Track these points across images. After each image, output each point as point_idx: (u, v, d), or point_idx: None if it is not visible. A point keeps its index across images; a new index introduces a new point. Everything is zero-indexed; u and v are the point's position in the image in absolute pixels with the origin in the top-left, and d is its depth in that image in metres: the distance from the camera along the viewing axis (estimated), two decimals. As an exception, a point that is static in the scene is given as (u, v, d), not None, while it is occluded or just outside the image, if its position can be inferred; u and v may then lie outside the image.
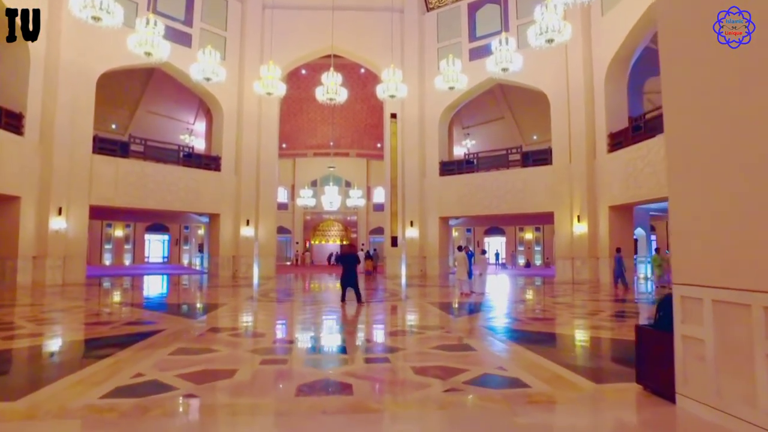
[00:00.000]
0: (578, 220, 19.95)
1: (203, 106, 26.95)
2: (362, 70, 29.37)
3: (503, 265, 36.88)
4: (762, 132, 3.16)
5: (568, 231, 20.44)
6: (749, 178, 3.25)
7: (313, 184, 41.09)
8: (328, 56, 22.66)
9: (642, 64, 20.04)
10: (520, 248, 38.72)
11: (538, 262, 37.39)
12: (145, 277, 23.09)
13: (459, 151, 29.49)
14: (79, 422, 3.67)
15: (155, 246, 40.05)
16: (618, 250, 17.05)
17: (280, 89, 19.19)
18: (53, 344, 7.01)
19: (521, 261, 37.10)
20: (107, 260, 35.81)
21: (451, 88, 19.19)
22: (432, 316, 10.34)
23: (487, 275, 16.24)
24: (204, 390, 4.46)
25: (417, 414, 4.00)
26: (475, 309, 11.25)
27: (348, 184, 41.21)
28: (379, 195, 40.04)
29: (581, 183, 19.92)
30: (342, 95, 18.73)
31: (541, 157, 22.63)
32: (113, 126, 26.99)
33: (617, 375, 5.19)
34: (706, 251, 3.64)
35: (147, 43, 15.07)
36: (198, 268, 31.80)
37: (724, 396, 3.37)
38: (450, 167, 25.17)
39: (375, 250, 31.60)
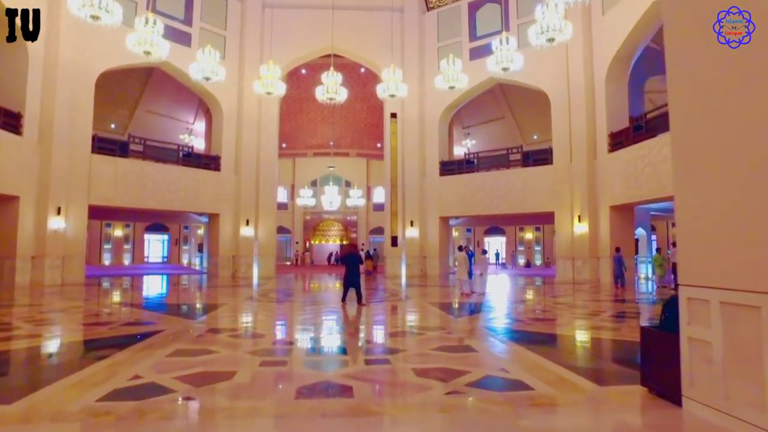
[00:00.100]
0: (579, 220, 19.89)
1: (203, 105, 26.89)
2: (362, 70, 29.30)
3: (503, 265, 36.82)
4: (771, 130, 3.10)
5: (569, 231, 20.38)
6: (757, 177, 3.19)
7: (313, 183, 41.03)
8: (328, 56, 22.60)
9: (643, 64, 19.99)
10: (520, 248, 38.66)
11: (538, 262, 37.33)
12: (145, 277, 23.03)
13: (459, 151, 29.44)
14: (75, 426, 3.61)
15: (155, 246, 39.97)
16: (617, 249, 16.99)
17: (280, 89, 19.12)
18: (50, 345, 6.94)
19: (521, 261, 37.04)
20: (107, 260, 35.74)
21: (452, 88, 19.12)
22: (432, 316, 10.27)
23: (488, 275, 16.16)
24: (202, 392, 4.40)
25: (418, 417, 3.94)
26: (475, 309, 11.18)
27: (348, 184, 41.15)
28: (379, 195, 39.99)
29: (582, 183, 19.85)
30: (342, 95, 18.67)
31: (541, 157, 22.56)
32: (113, 126, 26.93)
33: (621, 377, 5.12)
34: (713, 252, 3.57)
35: (146, 43, 15.01)
36: (197, 268, 31.73)
37: (732, 399, 3.30)
38: (450, 167, 25.11)
39: (375, 249, 31.55)
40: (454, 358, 5.82)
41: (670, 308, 4.17)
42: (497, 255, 38.42)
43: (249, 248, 23.34)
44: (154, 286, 19.08)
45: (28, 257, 16.84)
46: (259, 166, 23.81)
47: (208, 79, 17.86)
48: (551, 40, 14.89)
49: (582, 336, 7.90)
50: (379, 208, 39.28)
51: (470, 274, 14.79)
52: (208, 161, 23.52)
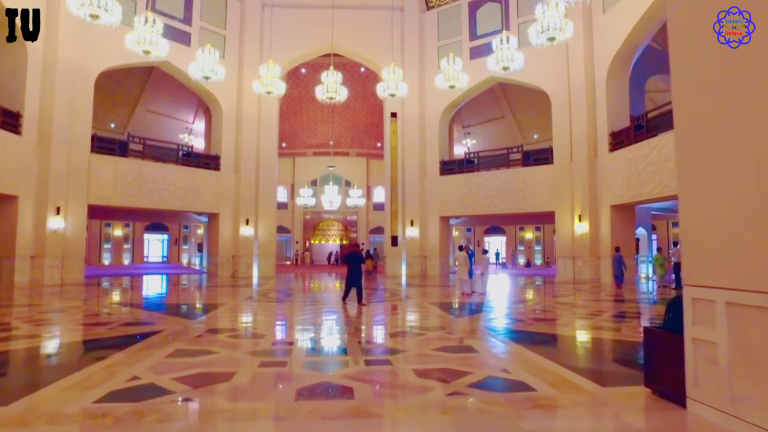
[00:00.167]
0: (579, 220, 19.84)
1: (202, 105, 26.84)
2: (362, 69, 29.27)
3: (503, 265, 36.78)
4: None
5: (570, 230, 20.34)
6: (764, 174, 3.14)
7: (313, 183, 40.99)
8: (328, 55, 22.54)
9: (644, 63, 19.94)
10: (521, 248, 38.62)
11: (538, 261, 37.29)
12: (144, 277, 22.98)
13: (459, 151, 29.38)
14: (72, 428, 3.56)
15: (154, 245, 39.92)
16: (617, 249, 16.93)
17: (280, 88, 19.08)
18: (48, 346, 6.89)
19: (521, 261, 36.99)
20: (106, 260, 35.69)
21: (452, 87, 19.08)
22: (433, 316, 10.23)
23: (488, 275, 16.11)
24: (201, 394, 4.35)
25: (420, 419, 3.89)
26: (476, 309, 11.14)
27: (348, 184, 41.12)
28: (379, 194, 39.95)
29: (582, 182, 19.81)
30: (342, 94, 18.62)
31: (542, 156, 22.52)
32: (112, 125, 26.88)
33: (624, 378, 5.08)
34: (718, 251, 3.53)
35: (145, 42, 14.98)
36: (197, 267, 31.68)
37: (739, 401, 3.26)
38: (450, 166, 25.06)
39: (375, 249, 31.49)
40: (455, 359, 5.77)
41: (673, 308, 4.13)
42: (497, 255, 38.38)
43: (249, 248, 23.30)
44: (153, 286, 19.04)
45: (27, 257, 16.79)
46: (258, 165, 23.77)
47: (207, 78, 17.83)
48: (552, 39, 14.86)
49: (583, 336, 7.85)
50: (379, 207, 39.24)
51: (470, 274, 14.74)
52: (208, 161, 23.47)
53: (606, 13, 19.18)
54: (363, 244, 38.14)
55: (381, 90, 18.89)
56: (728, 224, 3.43)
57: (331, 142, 38.72)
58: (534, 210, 22.37)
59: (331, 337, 7.88)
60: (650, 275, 21.39)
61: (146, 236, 38.85)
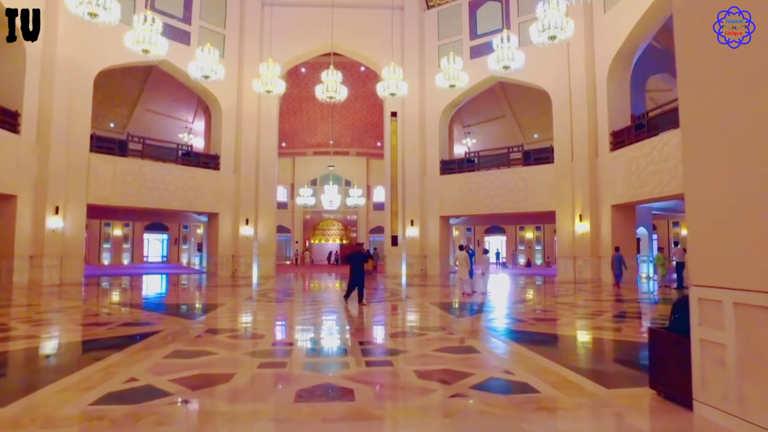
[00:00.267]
0: (580, 219, 19.78)
1: (202, 104, 26.77)
2: (362, 69, 29.21)
3: (504, 265, 36.72)
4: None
5: (570, 230, 20.28)
6: (774, 173, 3.08)
7: (313, 183, 40.92)
8: (328, 54, 22.47)
9: (644, 62, 19.87)
10: (521, 247, 38.56)
11: (538, 261, 37.23)
12: (144, 277, 22.91)
13: (459, 150, 29.32)
14: (67, 431, 3.49)
15: (154, 245, 39.84)
16: (617, 249, 16.85)
17: (280, 87, 19.02)
18: (45, 347, 6.81)
19: (522, 260, 36.94)
20: (106, 260, 35.62)
21: (452, 86, 19.00)
22: (434, 316, 10.16)
23: (489, 274, 16.05)
24: (199, 396, 4.29)
25: (422, 422, 3.82)
26: (477, 309, 11.08)
27: (348, 183, 41.05)
28: (379, 194, 39.89)
29: (583, 181, 19.74)
30: (342, 93, 18.54)
31: (542, 156, 22.46)
32: (111, 125, 26.81)
33: (628, 379, 5.02)
34: (726, 251, 3.46)
35: (145, 41, 14.92)
36: (197, 267, 31.62)
37: (747, 404, 3.19)
38: (451, 166, 25.00)
39: (375, 249, 31.43)
40: (456, 360, 5.71)
41: (679, 309, 4.07)
42: (497, 254, 38.32)
43: (248, 247, 23.24)
44: (152, 286, 18.97)
45: (26, 257, 16.72)
46: (258, 165, 23.70)
47: (207, 77, 17.76)
48: (553, 37, 14.78)
49: (585, 336, 7.78)
50: (379, 207, 39.17)
51: (471, 274, 14.67)
52: (208, 160, 23.40)
53: (607, 12, 19.11)
54: (362, 243, 38.04)
55: (381, 89, 18.82)
56: (736, 223, 3.37)
57: (331, 142, 38.66)
58: (534, 210, 22.32)
59: (331, 338, 7.82)
60: (651, 275, 21.32)
61: (146, 236, 38.77)
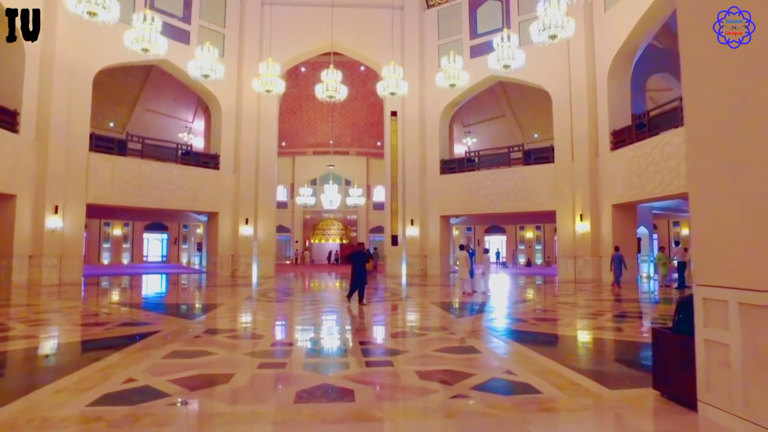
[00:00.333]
0: (581, 219, 19.73)
1: (202, 103, 26.72)
2: (362, 68, 29.16)
3: (504, 264, 36.68)
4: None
5: (571, 230, 20.23)
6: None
7: (313, 182, 40.86)
8: (328, 54, 22.40)
9: (645, 62, 19.82)
10: (521, 247, 38.51)
11: (538, 261, 37.19)
12: (143, 277, 22.86)
13: (460, 150, 29.26)
14: (64, 433, 3.45)
15: (154, 245, 39.80)
16: (617, 248, 16.80)
17: (279, 86, 18.96)
18: (43, 347, 6.77)
19: (522, 260, 36.89)
20: (105, 259, 35.57)
21: (452, 86, 18.95)
22: (434, 316, 10.12)
23: (490, 274, 16.00)
24: (198, 396, 4.25)
25: (423, 423, 3.77)
26: (478, 309, 11.04)
27: (348, 183, 41.00)
28: (379, 193, 39.84)
29: (584, 181, 19.70)
30: (342, 93, 18.47)
31: (543, 155, 22.41)
32: (111, 124, 26.76)
33: (631, 379, 4.97)
34: (731, 250, 3.41)
35: (144, 40, 14.87)
36: (197, 267, 31.57)
37: (753, 405, 3.15)
38: (451, 165, 24.95)
39: (375, 248, 31.37)
40: (457, 360, 5.67)
41: (683, 309, 4.02)
42: (498, 254, 38.28)
43: (248, 247, 23.19)
44: (152, 286, 18.92)
45: (25, 256, 16.68)
46: (258, 164, 23.65)
47: (206, 76, 17.70)
48: (553, 37, 14.74)
49: (587, 337, 7.74)
50: (379, 206, 39.12)
51: (471, 273, 14.62)
52: (207, 160, 23.35)
53: (607, 12, 19.06)
54: (363, 243, 38.00)
55: (381, 88, 18.77)
56: (741, 222, 3.32)
57: (331, 141, 38.60)
58: (535, 209, 22.28)
59: (331, 338, 7.78)
60: (652, 275, 21.28)
61: (145, 235, 38.73)
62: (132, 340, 6.86)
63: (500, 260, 37.91)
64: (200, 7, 22.41)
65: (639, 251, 20.83)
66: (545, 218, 27.26)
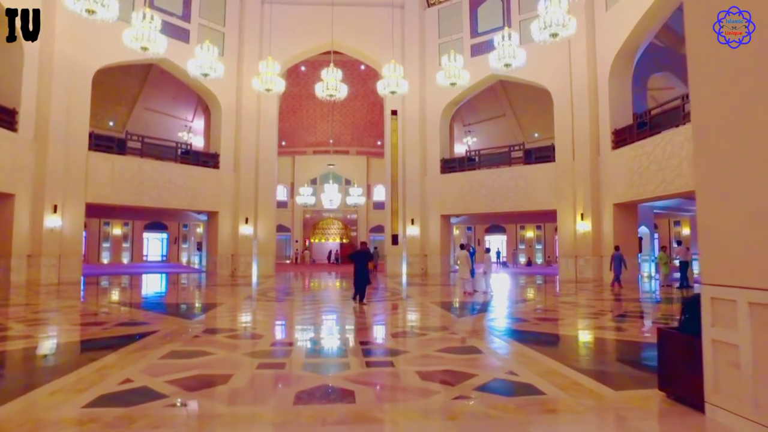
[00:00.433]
0: (582, 218, 19.66)
1: (201, 103, 26.65)
2: (362, 67, 29.10)
3: (504, 264, 36.61)
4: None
5: (572, 229, 20.16)
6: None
7: (313, 182, 40.79)
8: (328, 53, 22.34)
9: (646, 60, 19.74)
10: (521, 246, 38.43)
11: (539, 260, 37.11)
12: (143, 276, 22.79)
13: (460, 149, 29.18)
14: (58, 435, 3.38)
15: (154, 244, 39.73)
16: (617, 248, 16.72)
17: (279, 85, 18.88)
18: (39, 347, 6.68)
19: (522, 259, 36.81)
20: (105, 259, 35.51)
21: (453, 84, 18.87)
22: (435, 316, 10.05)
23: (491, 273, 15.93)
24: (196, 398, 4.18)
25: (425, 425, 3.70)
26: (479, 309, 10.97)
27: (348, 182, 40.92)
28: (379, 193, 39.78)
29: (585, 180, 19.62)
30: (342, 91, 18.39)
31: (543, 155, 22.33)
32: (111, 123, 26.68)
33: (636, 380, 4.89)
34: (741, 249, 3.33)
35: (143, 38, 14.81)
36: (196, 266, 31.50)
37: (763, 407, 3.07)
38: (451, 165, 24.88)
39: (375, 248, 31.29)
40: (459, 360, 5.60)
41: (690, 308, 3.94)
42: (498, 254, 38.20)
43: (248, 247, 23.12)
44: (151, 285, 18.85)
45: (24, 256, 16.60)
46: (258, 163, 23.58)
47: (206, 75, 17.62)
48: (554, 35, 14.69)
49: (590, 336, 7.67)
50: (379, 206, 39.05)
51: (472, 273, 14.55)
52: (207, 159, 23.28)
53: (609, 10, 18.97)
54: (366, 243, 37.89)
55: (381, 87, 18.71)
56: (750, 220, 3.25)
57: (331, 141, 38.52)
58: (535, 208, 22.21)
59: (331, 338, 7.71)
60: (653, 274, 21.20)
61: (145, 235, 38.67)
62: (130, 340, 6.79)
63: (501, 260, 37.84)
64: (200, 5, 22.33)
65: (640, 251, 20.75)
66: (546, 217, 27.19)
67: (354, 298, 11.44)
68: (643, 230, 21.41)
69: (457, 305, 11.84)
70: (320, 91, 18.40)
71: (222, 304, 11.44)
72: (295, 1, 24.10)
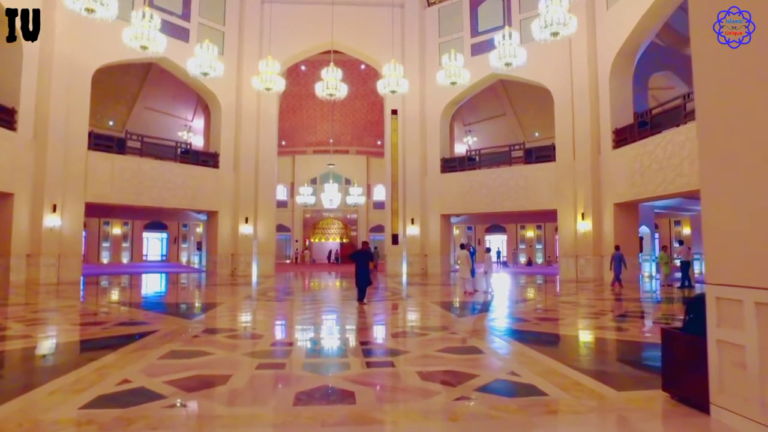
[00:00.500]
0: (582, 218, 19.61)
1: (201, 102, 26.61)
2: (362, 67, 29.06)
3: (505, 264, 36.56)
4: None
5: (572, 228, 20.11)
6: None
7: (313, 181, 40.75)
8: (328, 52, 22.31)
9: (647, 60, 19.69)
10: (522, 246, 38.38)
11: (539, 260, 37.06)
12: (143, 276, 22.74)
13: (460, 149, 29.13)
14: (54, 436, 3.34)
15: (153, 244, 39.68)
16: (617, 248, 16.68)
17: (279, 84, 18.85)
18: (37, 347, 6.63)
19: (522, 259, 36.77)
20: (105, 258, 35.46)
21: (453, 84, 18.84)
22: (436, 316, 10.00)
23: (492, 273, 15.89)
24: (194, 398, 4.14)
25: (426, 426, 3.65)
26: (479, 308, 10.92)
27: (348, 182, 40.87)
28: (380, 193, 39.73)
29: (585, 180, 19.57)
30: (342, 90, 18.35)
31: (544, 154, 22.28)
32: (110, 122, 26.63)
33: (639, 381, 4.84)
34: (747, 248, 3.28)
35: (143, 37, 14.78)
36: (196, 266, 31.46)
37: (770, 409, 3.03)
38: (451, 164, 24.83)
39: (375, 247, 31.23)
40: (460, 360, 5.55)
41: (694, 309, 3.90)
42: (498, 253, 38.14)
43: (248, 246, 23.08)
44: (151, 285, 18.80)
45: (23, 255, 16.57)
46: (258, 163, 23.54)
47: (206, 74, 17.60)
48: (555, 34, 14.65)
49: (592, 336, 7.62)
50: (379, 206, 39.00)
51: (472, 272, 14.50)
52: (207, 158, 23.24)
53: (609, 9, 18.93)
54: (368, 242, 37.81)
55: (381, 86, 18.68)
56: (757, 218, 3.20)
57: (331, 140, 38.47)
58: (536, 208, 22.17)
59: (331, 338, 7.66)
60: (654, 274, 21.16)
61: (145, 234, 38.62)
62: (129, 339, 6.74)
63: (501, 259, 37.79)
64: (199, 4, 22.30)
65: (641, 250, 20.70)
66: (546, 217, 27.14)
67: (359, 300, 11.33)
68: (644, 230, 21.37)
69: (458, 305, 11.80)
70: (320, 90, 18.37)
71: (222, 304, 11.40)
72: (295, 0, 24.05)
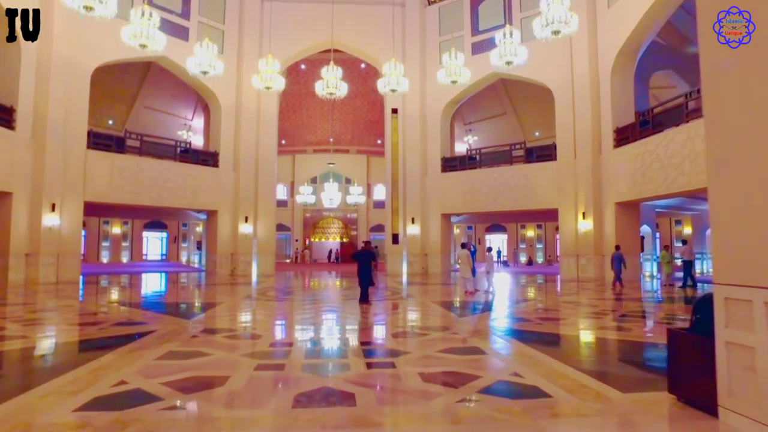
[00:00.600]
0: (583, 217, 19.53)
1: (201, 101, 26.52)
2: (362, 66, 28.95)
3: (505, 263, 36.48)
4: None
5: (573, 228, 20.03)
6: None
7: (313, 180, 40.67)
8: (328, 51, 22.21)
9: (648, 59, 19.60)
10: (522, 246, 38.29)
11: (540, 259, 36.98)
12: (142, 275, 22.67)
13: (461, 148, 29.05)
14: (48, 440, 3.26)
15: (153, 243, 39.59)
16: (617, 247, 16.59)
17: (279, 83, 18.75)
18: (34, 348, 6.56)
19: (523, 259, 36.69)
20: (105, 258, 35.38)
21: (454, 83, 18.74)
22: (436, 316, 9.93)
23: (493, 272, 15.81)
24: (191, 400, 4.07)
25: (427, 429, 3.58)
26: (480, 308, 10.85)
27: (348, 181, 40.79)
28: (380, 192, 39.66)
29: (586, 179, 19.49)
30: (342, 89, 18.24)
31: (545, 153, 22.20)
32: (110, 122, 26.54)
33: (644, 382, 4.76)
34: (756, 247, 3.21)
35: (142, 35, 14.64)
36: (196, 265, 31.38)
37: (781, 412, 2.95)
38: (452, 163, 24.75)
39: (375, 247, 31.14)
40: (461, 361, 5.48)
41: (702, 309, 3.82)
42: (498, 253, 38.05)
43: (248, 246, 23.01)
44: (150, 284, 18.73)
45: (22, 255, 16.49)
46: (258, 162, 23.46)
47: (205, 73, 17.47)
48: (556, 32, 14.52)
49: (595, 337, 7.55)
50: (379, 205, 38.93)
51: (473, 272, 14.43)
52: (207, 157, 23.16)
53: (611, 7, 18.84)
54: (370, 242, 37.72)
55: (382, 85, 18.58)
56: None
57: (331, 139, 38.37)
58: (537, 207, 22.09)
59: (331, 338, 7.59)
60: (655, 273, 21.08)
61: (145, 234, 38.52)
62: (127, 340, 6.67)
63: (501, 259, 37.71)
64: (199, 3, 22.21)
65: (642, 250, 20.62)
66: (547, 216, 27.05)
67: (361, 300, 11.24)
68: (645, 229, 21.27)
69: (459, 305, 11.72)
70: (320, 89, 18.26)
71: (221, 304, 11.33)
72: (295, -2, 23.98)
